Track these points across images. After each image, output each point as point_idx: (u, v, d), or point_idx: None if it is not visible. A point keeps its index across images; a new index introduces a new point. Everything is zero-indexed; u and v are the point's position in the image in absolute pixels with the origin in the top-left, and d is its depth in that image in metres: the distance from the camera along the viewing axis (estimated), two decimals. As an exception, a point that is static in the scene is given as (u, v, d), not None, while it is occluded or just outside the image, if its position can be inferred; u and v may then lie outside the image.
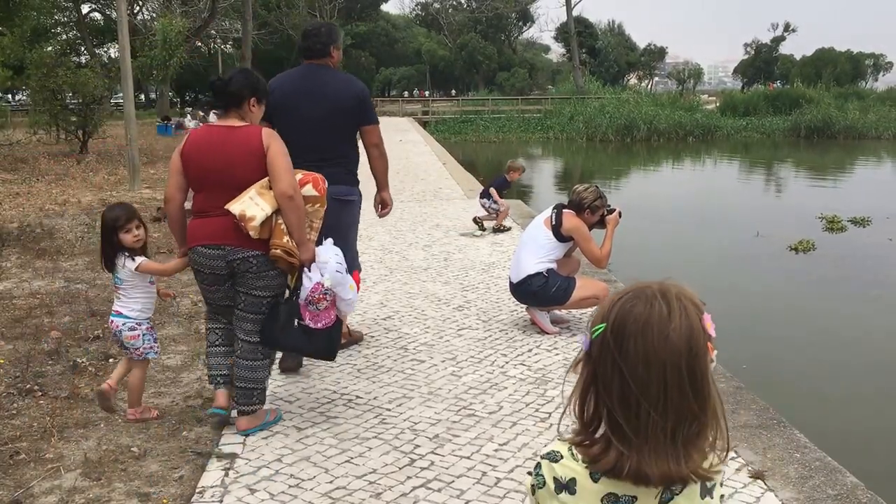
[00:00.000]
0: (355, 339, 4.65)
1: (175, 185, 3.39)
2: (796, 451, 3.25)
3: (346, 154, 4.26)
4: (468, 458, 3.16)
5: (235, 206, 3.20)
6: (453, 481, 2.97)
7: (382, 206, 4.64)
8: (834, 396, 5.52)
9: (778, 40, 79.00)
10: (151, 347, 3.56)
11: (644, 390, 1.08)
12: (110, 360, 4.29)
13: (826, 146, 31.17)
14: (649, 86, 76.80)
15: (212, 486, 2.93)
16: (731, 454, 3.18)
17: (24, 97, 36.56)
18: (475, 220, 8.49)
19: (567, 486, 1.16)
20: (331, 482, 2.96)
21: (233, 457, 3.17)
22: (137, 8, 42.15)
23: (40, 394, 3.83)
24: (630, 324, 1.10)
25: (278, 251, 3.24)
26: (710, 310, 1.15)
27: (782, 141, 33.61)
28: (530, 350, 4.52)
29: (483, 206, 8.61)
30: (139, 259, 3.43)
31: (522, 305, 5.07)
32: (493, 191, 8.56)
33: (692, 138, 33.00)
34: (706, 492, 1.16)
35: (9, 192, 11.43)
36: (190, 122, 29.26)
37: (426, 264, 6.82)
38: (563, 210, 4.88)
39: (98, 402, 3.49)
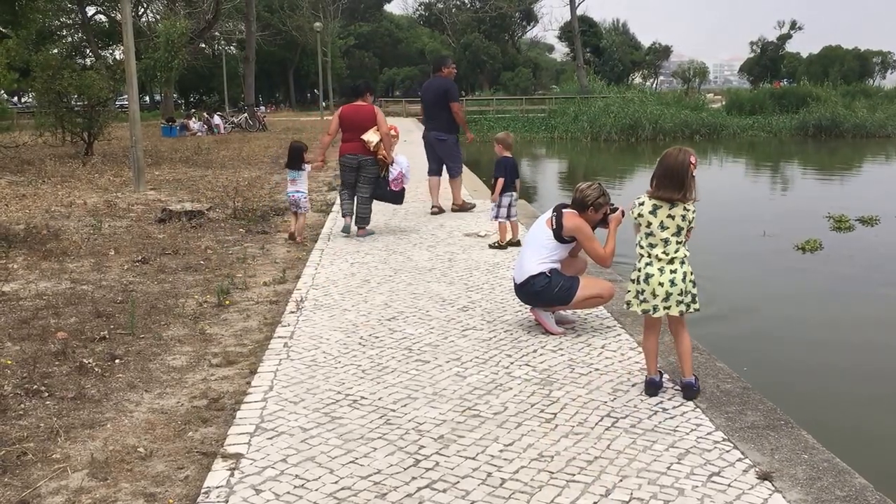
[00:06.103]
0: (467, 207, 9.86)
1: (335, 130, 8.20)
2: (804, 451, 3.24)
3: (445, 117, 9.55)
4: (473, 458, 3.15)
5: (366, 136, 7.86)
6: (458, 482, 2.96)
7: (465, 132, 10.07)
8: (842, 396, 5.49)
9: (784, 38, 78.77)
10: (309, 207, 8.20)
11: (673, 174, 3.73)
12: (116, 361, 4.30)
13: (834, 145, 31.06)
14: (654, 85, 76.67)
15: (217, 487, 2.93)
16: (738, 454, 3.18)
17: (30, 99, 36.73)
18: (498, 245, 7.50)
19: (643, 204, 3.81)
20: (336, 483, 2.96)
21: (238, 457, 3.17)
22: (142, 10, 42.29)
23: (47, 394, 3.84)
24: (667, 155, 3.79)
25: (381, 156, 7.97)
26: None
27: (789, 139, 33.50)
28: (535, 351, 4.51)
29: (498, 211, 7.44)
30: (308, 165, 8.01)
31: (527, 306, 5.06)
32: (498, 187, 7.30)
33: (698, 137, 32.90)
34: (686, 210, 3.77)
35: (15, 194, 11.47)
36: (195, 124, 29.38)
37: (430, 265, 6.82)
38: (564, 210, 4.83)
39: (290, 239, 7.87)
